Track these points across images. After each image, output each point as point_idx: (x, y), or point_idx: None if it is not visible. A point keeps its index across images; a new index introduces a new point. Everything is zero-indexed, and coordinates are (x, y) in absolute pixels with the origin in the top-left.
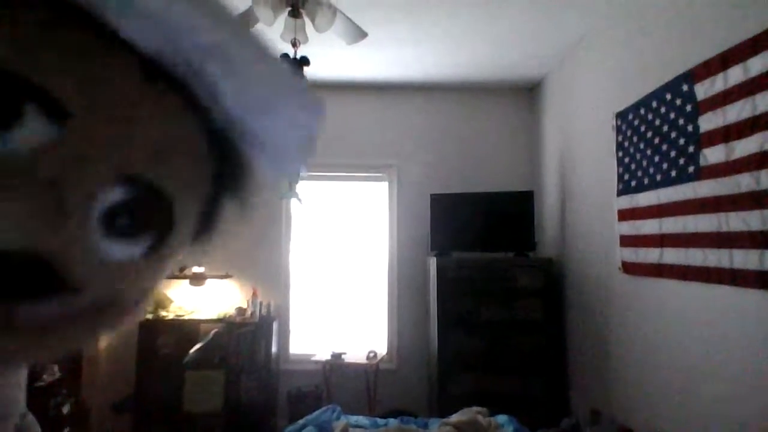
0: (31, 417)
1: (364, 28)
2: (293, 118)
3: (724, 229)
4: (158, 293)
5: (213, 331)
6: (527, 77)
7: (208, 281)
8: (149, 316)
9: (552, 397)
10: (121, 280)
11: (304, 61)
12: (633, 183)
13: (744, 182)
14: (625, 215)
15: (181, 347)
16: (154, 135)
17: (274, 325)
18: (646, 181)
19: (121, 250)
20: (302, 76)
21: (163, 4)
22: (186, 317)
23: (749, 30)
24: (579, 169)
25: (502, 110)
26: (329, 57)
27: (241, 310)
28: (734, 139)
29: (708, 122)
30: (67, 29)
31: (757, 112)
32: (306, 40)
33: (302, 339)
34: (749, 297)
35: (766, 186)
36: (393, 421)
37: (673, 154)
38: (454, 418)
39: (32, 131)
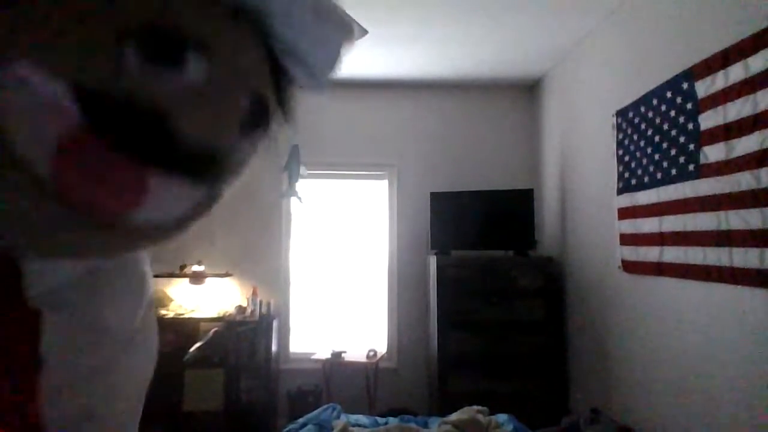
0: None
1: (364, 26)
2: (327, 37)
3: (725, 227)
4: (158, 292)
5: (213, 330)
6: (527, 75)
7: (208, 280)
8: None
9: (552, 396)
10: (242, 167)
11: None
12: (633, 181)
13: (744, 180)
14: (625, 213)
15: (181, 346)
16: (256, 59)
17: (274, 324)
18: (646, 179)
19: (244, 143)
20: None
21: None
22: (186, 316)
23: (750, 28)
24: (579, 168)
25: (502, 108)
26: None
27: (241, 309)
28: (735, 137)
29: (708, 120)
30: None
31: (758, 110)
32: None
33: (302, 338)
34: (749, 295)
35: (767, 184)
36: (393, 420)
37: (673, 152)
38: (454, 416)
39: (195, 69)
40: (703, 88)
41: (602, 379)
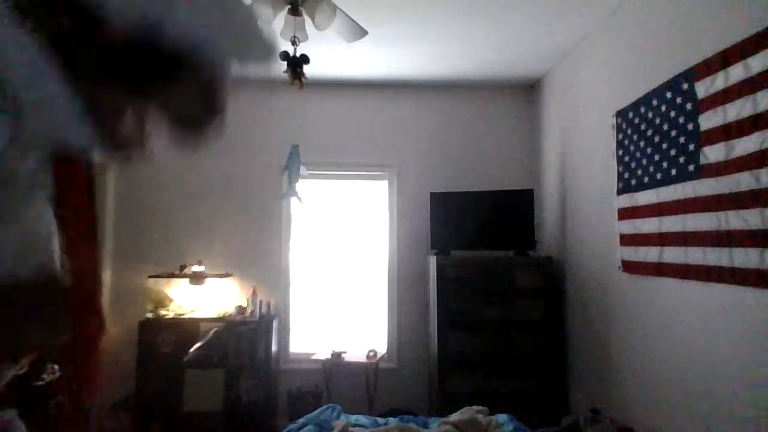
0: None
1: (364, 27)
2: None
3: (724, 227)
4: (158, 292)
5: (213, 330)
6: (528, 75)
7: (208, 280)
8: (149, 315)
9: (552, 396)
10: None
11: (304, 59)
12: (633, 181)
13: (744, 181)
14: (625, 214)
15: (181, 346)
16: None
17: (274, 324)
18: (646, 179)
19: None
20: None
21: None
22: (186, 316)
23: (750, 28)
24: (579, 168)
25: (503, 108)
26: (329, 55)
27: (241, 309)
28: (734, 138)
29: (708, 120)
30: None
31: (758, 111)
32: (306, 38)
33: (302, 338)
34: (749, 295)
35: (767, 184)
36: (393, 420)
37: (673, 152)
38: (454, 417)
39: None
40: (703, 88)
41: (602, 379)
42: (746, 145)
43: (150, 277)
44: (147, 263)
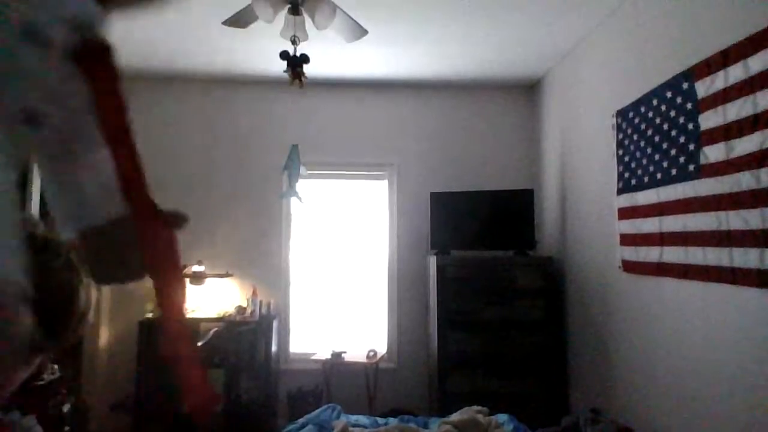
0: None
1: (364, 26)
2: None
3: (724, 227)
4: None
5: (213, 330)
6: (528, 75)
7: (208, 280)
8: (149, 315)
9: (552, 396)
10: None
11: (304, 58)
12: (633, 181)
13: (744, 180)
14: (625, 214)
15: None
16: None
17: (274, 324)
18: (646, 179)
19: None
20: None
21: None
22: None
23: (750, 28)
24: (579, 168)
25: (503, 108)
26: (329, 55)
27: (241, 309)
28: (735, 137)
29: (708, 120)
30: None
31: (758, 110)
32: (306, 37)
33: (302, 338)
34: (749, 296)
35: (767, 184)
36: (393, 420)
37: (673, 152)
38: (454, 417)
39: None
40: (703, 88)
41: (602, 379)
42: (746, 145)
43: None
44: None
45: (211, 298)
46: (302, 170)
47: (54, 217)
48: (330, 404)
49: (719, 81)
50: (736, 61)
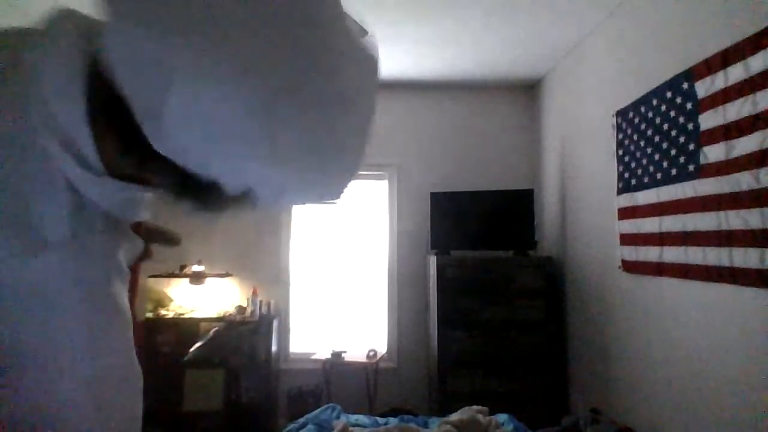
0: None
1: (364, 27)
2: None
3: (724, 227)
4: (158, 292)
5: (213, 330)
6: (528, 75)
7: (208, 280)
8: (149, 315)
9: (552, 396)
10: None
11: None
12: (633, 181)
13: (744, 180)
14: (625, 213)
15: (181, 346)
16: None
17: (274, 324)
18: (646, 179)
19: None
20: None
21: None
22: (186, 316)
23: (750, 28)
24: (579, 168)
25: (503, 108)
26: None
27: (241, 309)
28: (734, 137)
29: (708, 120)
30: None
31: (758, 110)
32: None
33: (302, 338)
34: (749, 295)
35: (766, 184)
36: (393, 420)
37: (673, 152)
38: (454, 416)
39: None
40: (703, 88)
41: (602, 379)
42: (746, 144)
43: (150, 276)
44: (147, 263)
45: (211, 297)
46: None
47: None
48: (330, 404)
49: (719, 81)
50: (735, 61)
